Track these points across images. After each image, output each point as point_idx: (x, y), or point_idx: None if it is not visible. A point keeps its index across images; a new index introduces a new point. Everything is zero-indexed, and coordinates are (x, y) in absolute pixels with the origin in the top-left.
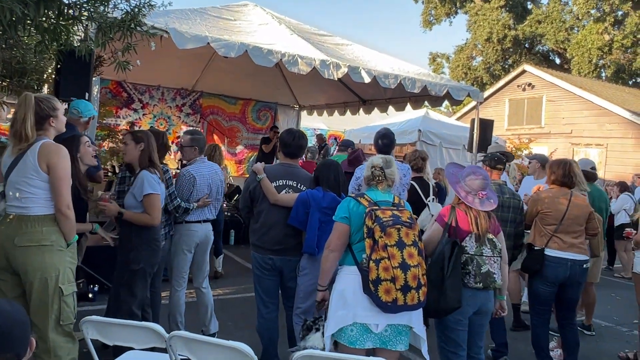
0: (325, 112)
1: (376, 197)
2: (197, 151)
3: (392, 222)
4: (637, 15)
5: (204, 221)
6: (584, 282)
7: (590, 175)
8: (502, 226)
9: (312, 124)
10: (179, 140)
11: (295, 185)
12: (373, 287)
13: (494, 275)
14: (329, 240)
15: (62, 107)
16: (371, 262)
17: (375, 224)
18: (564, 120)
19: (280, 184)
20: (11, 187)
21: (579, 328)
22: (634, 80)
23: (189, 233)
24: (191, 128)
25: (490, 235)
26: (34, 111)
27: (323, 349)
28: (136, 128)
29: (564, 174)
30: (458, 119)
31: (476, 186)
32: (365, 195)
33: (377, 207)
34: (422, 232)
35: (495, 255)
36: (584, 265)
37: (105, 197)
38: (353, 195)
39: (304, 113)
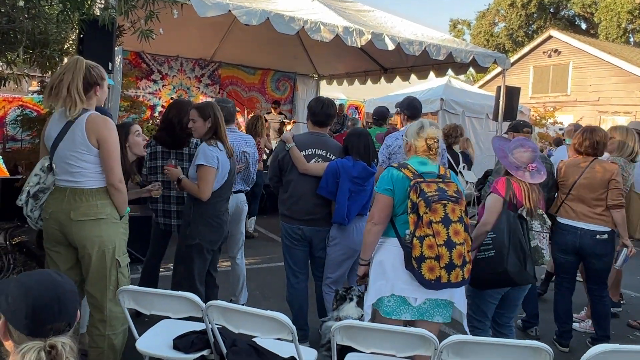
0: (345, 81)
1: (421, 169)
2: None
3: (438, 197)
4: None
5: (235, 192)
6: (607, 253)
7: None
8: None
9: (331, 93)
10: None
11: (324, 154)
12: (416, 264)
13: (543, 251)
14: (372, 212)
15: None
16: (415, 239)
17: (420, 198)
18: (590, 88)
19: (310, 152)
20: (60, 161)
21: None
22: None
23: None
24: (219, 97)
25: (540, 210)
26: (83, 76)
27: (359, 319)
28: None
29: (583, 142)
30: (480, 87)
31: (526, 159)
32: (408, 166)
33: (422, 180)
34: None
35: (544, 230)
36: (597, 237)
37: (171, 163)
38: (396, 165)
39: (323, 83)
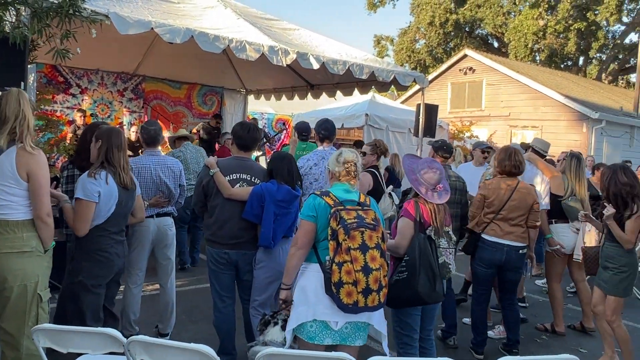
0: (273, 96)
1: (342, 196)
2: (144, 142)
3: (357, 225)
4: (569, 1)
5: (158, 215)
6: (522, 265)
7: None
8: (449, 207)
9: (260, 108)
10: (124, 127)
11: (249, 178)
12: (335, 289)
13: (450, 266)
14: (296, 237)
15: None
16: (334, 264)
17: (339, 226)
18: (502, 104)
19: (234, 177)
20: None
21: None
22: (565, 64)
23: (140, 229)
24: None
25: (446, 228)
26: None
27: (283, 343)
28: (78, 115)
29: (507, 163)
30: (403, 102)
31: (434, 180)
32: (330, 194)
33: (342, 207)
34: (387, 219)
35: (450, 247)
36: (520, 252)
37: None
38: (318, 193)
39: (251, 97)
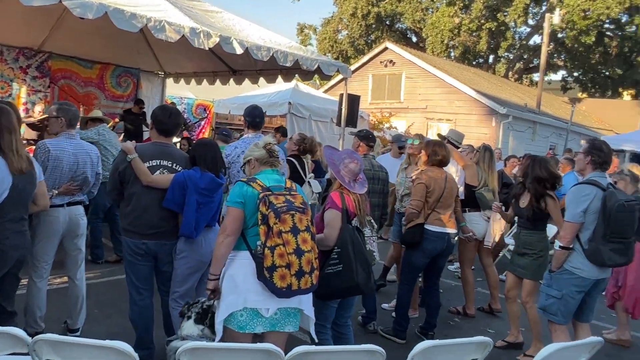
0: (193, 80)
1: (269, 182)
2: (64, 123)
3: (287, 208)
4: (482, 1)
5: (70, 204)
6: (452, 252)
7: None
8: (371, 197)
9: (179, 92)
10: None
11: (170, 165)
12: (268, 273)
13: (374, 254)
14: (224, 225)
15: None
16: (266, 249)
17: (269, 210)
18: (420, 97)
19: (154, 164)
20: None
21: None
22: (477, 61)
23: (48, 219)
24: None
25: (369, 217)
26: None
27: (200, 336)
28: None
29: (436, 155)
30: (325, 91)
31: (356, 171)
32: (257, 180)
33: (270, 193)
34: None
35: (373, 235)
36: (454, 238)
37: None
38: (245, 179)
39: (169, 81)
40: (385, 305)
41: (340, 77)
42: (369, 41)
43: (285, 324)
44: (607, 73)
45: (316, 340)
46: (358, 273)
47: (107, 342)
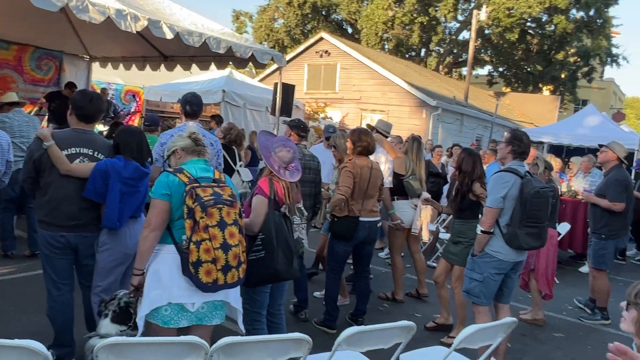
0: (121, 65)
1: (196, 173)
2: None
3: (214, 202)
4: None
5: None
6: (377, 238)
7: None
8: (303, 187)
9: (107, 77)
10: None
11: (91, 153)
12: (193, 269)
13: (303, 241)
14: (149, 219)
15: None
16: (192, 244)
17: (196, 203)
18: (354, 87)
19: (73, 152)
20: None
21: None
22: (409, 54)
23: None
24: None
25: (298, 204)
26: None
27: (119, 334)
28: None
29: (361, 144)
30: (261, 80)
31: (287, 159)
32: (184, 171)
33: (197, 185)
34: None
35: (302, 222)
36: (377, 225)
37: None
38: (171, 170)
39: (96, 65)
40: (317, 294)
41: (276, 66)
42: (305, 31)
43: (212, 317)
44: (529, 69)
45: (243, 331)
46: (279, 260)
47: (17, 342)
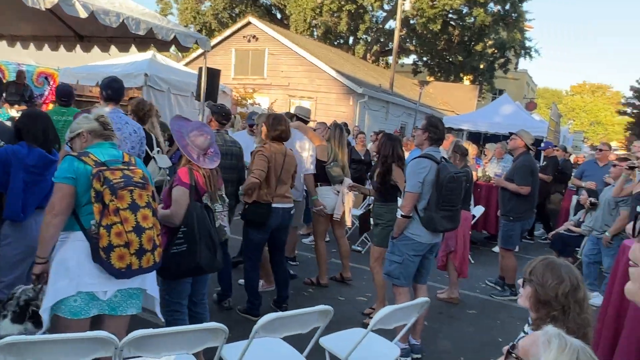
0: (32, 45)
1: (103, 157)
2: None
3: (124, 184)
4: None
5: None
6: (290, 225)
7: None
8: (225, 173)
9: (17, 57)
10: None
11: None
12: (105, 254)
13: (225, 229)
14: (51, 203)
15: None
16: (102, 228)
17: (104, 186)
18: (283, 74)
19: None
20: None
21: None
22: (338, 41)
23: None
24: None
25: (220, 192)
26: None
27: (22, 333)
28: None
29: (276, 130)
30: (187, 64)
31: (205, 145)
32: (90, 154)
33: (105, 168)
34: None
35: (224, 209)
36: (291, 212)
37: None
38: (76, 153)
39: (3, 44)
40: (241, 281)
41: (202, 50)
42: (234, 15)
43: (127, 306)
44: (451, 59)
45: (163, 320)
46: (202, 254)
47: None
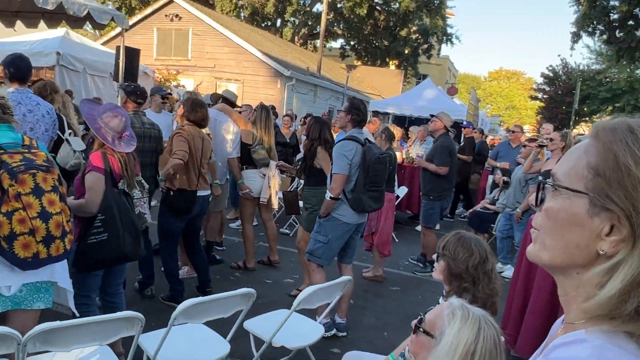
0: None
1: (0, 139)
2: None
3: (25, 167)
4: None
5: None
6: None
7: None
8: (143, 157)
9: None
10: None
11: None
12: (7, 244)
13: (145, 216)
14: None
15: None
16: (1, 216)
17: (2, 170)
18: (208, 55)
19: None
20: None
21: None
22: (265, 23)
23: None
24: None
25: (138, 177)
26: None
27: None
28: None
29: (196, 114)
30: (105, 43)
31: (121, 128)
32: None
33: (2, 151)
34: (65, 170)
35: (144, 196)
36: (209, 199)
37: None
38: None
39: None
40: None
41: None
42: None
43: (34, 300)
44: (377, 44)
45: (77, 314)
46: (125, 241)
47: None
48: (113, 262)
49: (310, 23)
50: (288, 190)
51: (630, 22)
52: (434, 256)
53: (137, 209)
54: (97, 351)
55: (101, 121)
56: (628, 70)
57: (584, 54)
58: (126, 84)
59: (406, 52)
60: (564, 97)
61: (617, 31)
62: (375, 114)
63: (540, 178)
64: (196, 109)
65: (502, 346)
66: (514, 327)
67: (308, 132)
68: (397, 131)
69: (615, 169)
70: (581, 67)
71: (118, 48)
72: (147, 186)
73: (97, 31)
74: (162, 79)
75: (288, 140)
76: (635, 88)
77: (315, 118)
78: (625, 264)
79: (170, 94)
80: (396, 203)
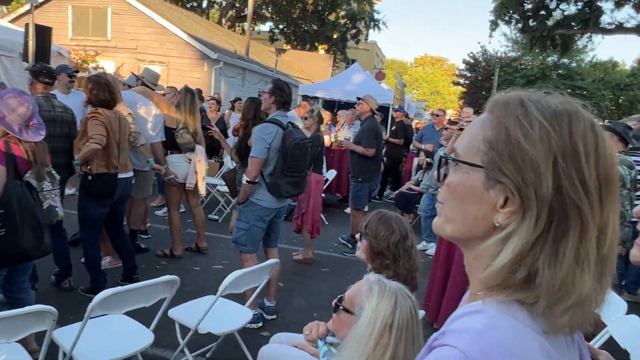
0: None
1: None
2: None
3: None
4: None
5: None
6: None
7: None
8: (55, 143)
9: None
10: None
11: None
12: None
13: (57, 209)
14: None
15: None
16: None
17: None
18: (129, 36)
19: None
20: None
21: None
22: (191, 4)
23: None
24: None
25: (48, 168)
26: None
27: None
28: None
29: (101, 95)
30: (13, 21)
31: (28, 115)
32: None
33: None
34: None
35: (55, 187)
36: (132, 182)
37: None
38: None
39: None
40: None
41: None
42: None
43: None
44: (306, 28)
45: None
46: (25, 238)
47: None
48: (12, 261)
49: (237, 5)
50: (228, 171)
51: (542, 12)
52: (357, 235)
53: (47, 202)
54: (4, 349)
55: (6, 110)
56: (540, 57)
57: (501, 42)
58: (34, 64)
59: (335, 36)
60: (483, 83)
61: (531, 20)
62: (305, 98)
63: (441, 153)
64: (96, 91)
65: (418, 316)
66: (436, 301)
67: (244, 113)
68: (326, 115)
69: (506, 142)
70: (499, 54)
71: (27, 26)
72: (58, 177)
73: (4, 7)
74: (80, 60)
75: (212, 124)
76: (546, 75)
77: (251, 99)
78: (516, 234)
79: (77, 71)
80: (325, 186)
